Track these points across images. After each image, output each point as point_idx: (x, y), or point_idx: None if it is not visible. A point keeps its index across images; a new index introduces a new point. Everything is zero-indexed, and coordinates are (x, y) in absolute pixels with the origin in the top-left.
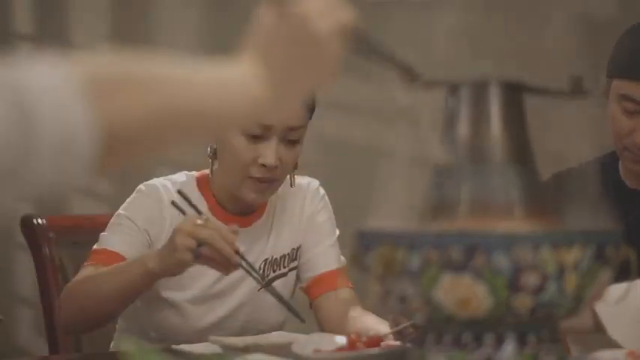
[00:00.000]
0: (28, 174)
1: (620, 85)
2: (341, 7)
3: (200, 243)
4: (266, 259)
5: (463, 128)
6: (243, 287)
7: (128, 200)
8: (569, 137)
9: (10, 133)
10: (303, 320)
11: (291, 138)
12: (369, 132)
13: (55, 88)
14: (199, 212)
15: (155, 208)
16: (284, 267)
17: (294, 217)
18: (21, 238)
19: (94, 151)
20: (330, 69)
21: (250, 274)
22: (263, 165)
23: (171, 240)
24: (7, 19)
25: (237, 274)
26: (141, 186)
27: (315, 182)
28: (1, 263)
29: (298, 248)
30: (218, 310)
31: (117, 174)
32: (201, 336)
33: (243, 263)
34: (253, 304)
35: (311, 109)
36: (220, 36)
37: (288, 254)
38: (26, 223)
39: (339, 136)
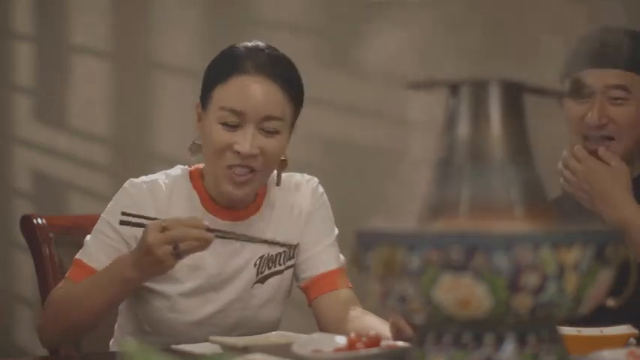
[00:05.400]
0: None
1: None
2: None
3: (175, 244)
4: (262, 256)
5: (463, 128)
6: (236, 283)
7: (114, 198)
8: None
9: None
10: None
11: (268, 128)
12: (369, 132)
13: None
14: (150, 218)
15: (134, 209)
16: (279, 264)
17: (293, 214)
18: (21, 238)
19: None
20: None
21: (226, 238)
22: (238, 152)
23: (148, 252)
24: (7, 19)
25: (231, 270)
26: (125, 184)
27: (314, 180)
28: (1, 263)
29: (296, 246)
30: (210, 306)
31: (116, 173)
32: (192, 330)
33: (219, 234)
34: (245, 300)
35: (295, 103)
36: (220, 36)
37: (284, 251)
38: (26, 223)
39: (339, 136)
